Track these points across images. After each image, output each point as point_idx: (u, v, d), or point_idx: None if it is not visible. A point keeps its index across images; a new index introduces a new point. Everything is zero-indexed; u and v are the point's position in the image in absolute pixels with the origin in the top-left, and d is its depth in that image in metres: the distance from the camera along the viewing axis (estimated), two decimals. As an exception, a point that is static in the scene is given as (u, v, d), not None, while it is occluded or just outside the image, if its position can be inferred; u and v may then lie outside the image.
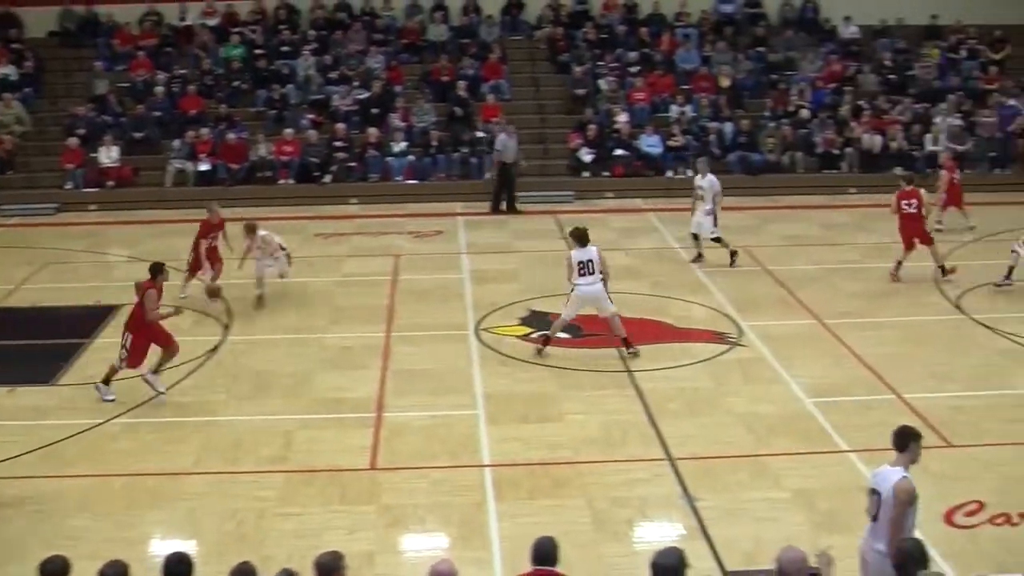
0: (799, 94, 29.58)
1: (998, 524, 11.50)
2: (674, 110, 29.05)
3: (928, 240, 20.19)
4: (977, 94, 29.99)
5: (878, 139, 28.16)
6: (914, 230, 20.04)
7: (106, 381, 14.86)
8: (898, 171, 21.80)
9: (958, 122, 28.60)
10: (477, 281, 20.44)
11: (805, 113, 29.02)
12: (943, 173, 23.83)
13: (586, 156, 27.82)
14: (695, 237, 21.40)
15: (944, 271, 20.05)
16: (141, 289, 14.90)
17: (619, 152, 27.95)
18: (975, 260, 21.10)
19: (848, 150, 28.15)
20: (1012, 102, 29.21)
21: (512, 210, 26.40)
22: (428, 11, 31.73)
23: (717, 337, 17.32)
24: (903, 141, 28.13)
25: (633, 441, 13.64)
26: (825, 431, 13.85)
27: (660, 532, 11.60)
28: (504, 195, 26.49)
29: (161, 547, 10.76)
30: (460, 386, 15.34)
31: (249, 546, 10.95)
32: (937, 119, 28.71)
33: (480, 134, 28.01)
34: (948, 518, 11.52)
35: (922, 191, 20.38)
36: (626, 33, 31.50)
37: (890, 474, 8.71)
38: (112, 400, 14.74)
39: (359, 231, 24.34)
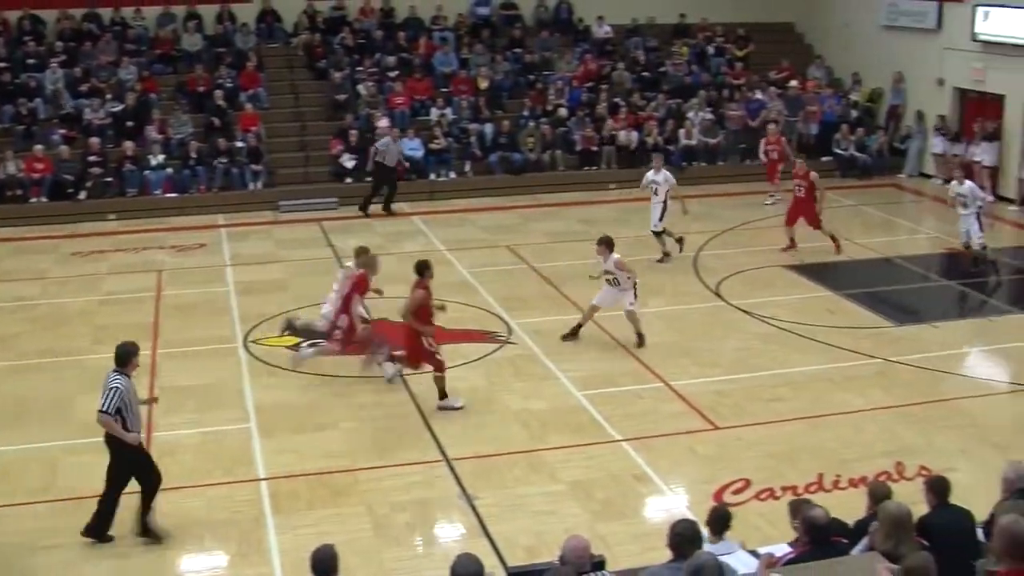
0: (556, 93, 30.12)
1: (763, 499, 12.03)
2: (434, 113, 29.15)
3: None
4: (725, 89, 31.19)
5: (635, 135, 28.92)
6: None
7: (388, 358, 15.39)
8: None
9: (709, 116, 29.68)
10: (243, 293, 20.02)
11: (563, 112, 29.60)
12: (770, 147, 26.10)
13: (348, 162, 27.64)
14: (656, 235, 21.30)
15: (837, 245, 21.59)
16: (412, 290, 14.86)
17: (381, 157, 27.90)
18: (729, 249, 21.94)
19: (606, 147, 28.83)
20: (758, 96, 30.50)
21: (388, 211, 26.25)
22: (181, 20, 30.97)
23: (487, 336, 17.50)
24: (659, 136, 29.00)
25: (408, 444, 13.65)
26: (597, 422, 14.15)
27: (441, 533, 11.68)
28: (376, 198, 26.28)
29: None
30: (230, 400, 15.04)
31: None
32: (690, 114, 29.69)
33: (239, 144, 27.53)
34: (717, 497, 11.96)
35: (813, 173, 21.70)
36: (384, 38, 31.45)
37: (732, 547, 9.04)
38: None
39: (119, 248, 23.56)
